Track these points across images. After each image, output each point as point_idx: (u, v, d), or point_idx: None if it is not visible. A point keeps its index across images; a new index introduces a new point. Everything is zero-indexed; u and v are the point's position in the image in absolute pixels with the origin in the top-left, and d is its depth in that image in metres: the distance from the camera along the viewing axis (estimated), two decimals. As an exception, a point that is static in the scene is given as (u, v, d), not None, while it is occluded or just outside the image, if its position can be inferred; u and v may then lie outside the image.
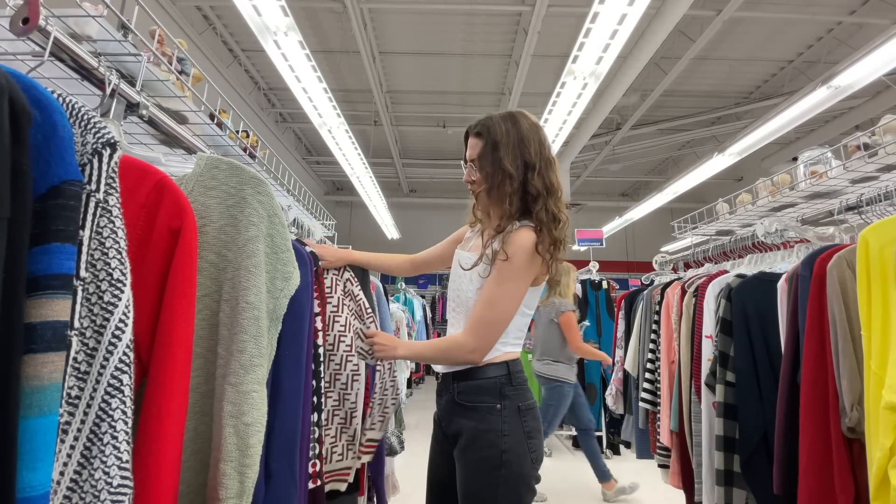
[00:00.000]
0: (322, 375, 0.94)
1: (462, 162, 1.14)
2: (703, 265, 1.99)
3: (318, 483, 0.88)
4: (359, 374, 1.10)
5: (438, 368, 1.12)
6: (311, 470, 0.86)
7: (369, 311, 1.15)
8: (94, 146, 0.52)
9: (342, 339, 1.08)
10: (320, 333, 0.94)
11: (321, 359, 0.93)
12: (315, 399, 0.90)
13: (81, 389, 0.50)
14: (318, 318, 0.94)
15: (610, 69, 3.56)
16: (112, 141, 0.54)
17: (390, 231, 7.93)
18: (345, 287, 1.15)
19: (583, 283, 3.97)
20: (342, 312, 1.10)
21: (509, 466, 0.95)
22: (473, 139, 1.09)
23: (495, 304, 1.01)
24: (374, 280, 1.81)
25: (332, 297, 1.11)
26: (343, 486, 1.07)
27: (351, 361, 1.09)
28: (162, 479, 0.55)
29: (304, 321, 0.83)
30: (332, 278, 1.14)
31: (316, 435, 0.89)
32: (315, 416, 0.90)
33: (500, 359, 1.03)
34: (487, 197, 1.08)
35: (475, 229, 1.18)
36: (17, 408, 0.41)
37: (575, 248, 5.40)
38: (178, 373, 0.59)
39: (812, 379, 1.02)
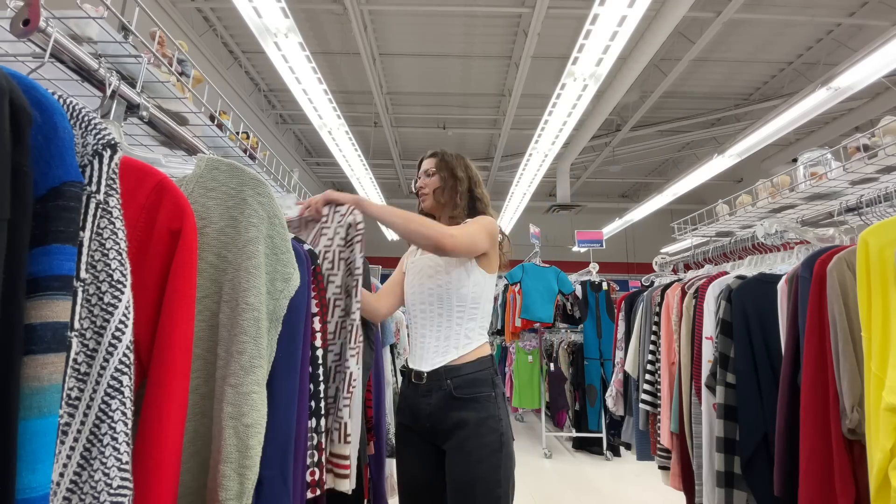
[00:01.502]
0: (321, 379, 0.91)
1: (413, 182, 1.37)
2: (703, 266, 1.99)
3: (318, 493, 0.86)
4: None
5: (425, 367, 1.14)
6: (309, 479, 0.83)
7: (358, 270, 1.03)
8: (95, 147, 0.52)
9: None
10: (318, 335, 0.92)
11: (319, 361, 0.91)
12: (313, 403, 0.87)
13: (81, 391, 0.50)
14: (317, 319, 0.92)
15: (610, 71, 3.57)
16: (112, 142, 0.54)
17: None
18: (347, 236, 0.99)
19: (583, 284, 3.97)
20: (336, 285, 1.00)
21: (506, 448, 1.08)
22: (428, 159, 1.34)
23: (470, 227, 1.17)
24: (375, 281, 1.82)
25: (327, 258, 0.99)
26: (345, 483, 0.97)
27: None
28: (161, 480, 0.55)
29: (299, 322, 0.81)
30: (334, 227, 1.00)
31: (314, 441, 0.85)
32: (313, 422, 0.86)
33: (485, 351, 1.17)
34: (441, 195, 1.28)
35: (418, 249, 1.32)
36: (17, 409, 0.41)
37: (575, 249, 5.40)
38: (178, 374, 0.59)
39: (812, 380, 1.02)
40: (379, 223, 1.10)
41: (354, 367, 0.99)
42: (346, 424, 0.95)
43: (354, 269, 1.02)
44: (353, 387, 0.99)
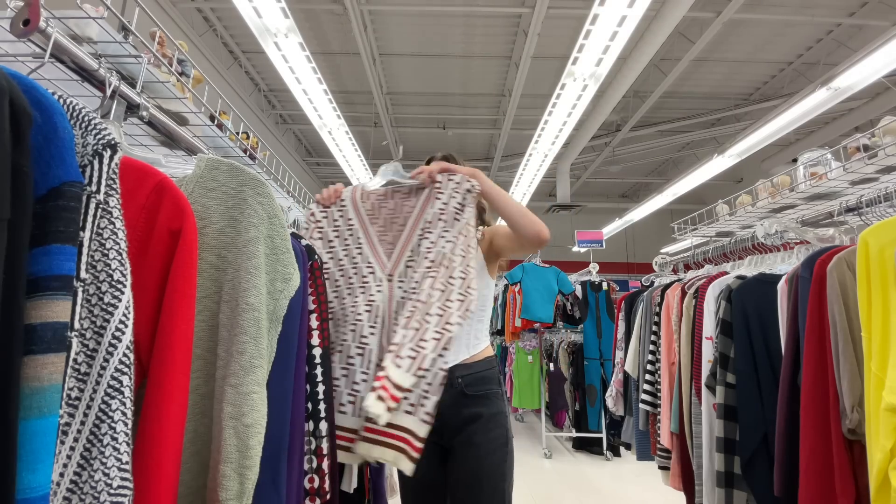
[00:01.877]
0: (318, 379, 0.87)
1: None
2: (703, 266, 1.99)
3: (318, 502, 0.82)
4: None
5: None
6: (308, 486, 0.81)
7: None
8: (95, 147, 0.52)
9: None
10: (315, 333, 0.90)
11: (316, 360, 0.88)
12: (310, 406, 0.84)
13: (81, 391, 0.50)
14: (314, 317, 0.90)
15: (610, 71, 3.57)
16: (112, 142, 0.54)
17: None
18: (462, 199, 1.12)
19: (583, 284, 3.97)
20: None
21: (510, 443, 1.14)
22: (440, 162, 1.33)
23: None
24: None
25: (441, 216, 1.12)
26: (401, 460, 0.97)
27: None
28: (162, 480, 0.55)
29: (294, 322, 0.80)
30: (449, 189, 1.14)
31: (313, 446, 0.83)
32: (311, 425, 0.83)
33: (490, 351, 1.22)
34: None
35: None
36: (17, 409, 0.41)
37: (575, 249, 5.40)
38: (178, 374, 0.59)
39: (812, 380, 1.02)
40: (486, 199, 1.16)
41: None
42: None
43: (462, 218, 1.14)
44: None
